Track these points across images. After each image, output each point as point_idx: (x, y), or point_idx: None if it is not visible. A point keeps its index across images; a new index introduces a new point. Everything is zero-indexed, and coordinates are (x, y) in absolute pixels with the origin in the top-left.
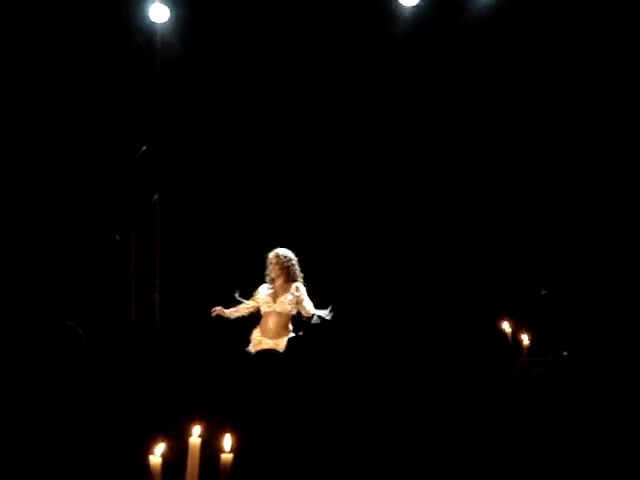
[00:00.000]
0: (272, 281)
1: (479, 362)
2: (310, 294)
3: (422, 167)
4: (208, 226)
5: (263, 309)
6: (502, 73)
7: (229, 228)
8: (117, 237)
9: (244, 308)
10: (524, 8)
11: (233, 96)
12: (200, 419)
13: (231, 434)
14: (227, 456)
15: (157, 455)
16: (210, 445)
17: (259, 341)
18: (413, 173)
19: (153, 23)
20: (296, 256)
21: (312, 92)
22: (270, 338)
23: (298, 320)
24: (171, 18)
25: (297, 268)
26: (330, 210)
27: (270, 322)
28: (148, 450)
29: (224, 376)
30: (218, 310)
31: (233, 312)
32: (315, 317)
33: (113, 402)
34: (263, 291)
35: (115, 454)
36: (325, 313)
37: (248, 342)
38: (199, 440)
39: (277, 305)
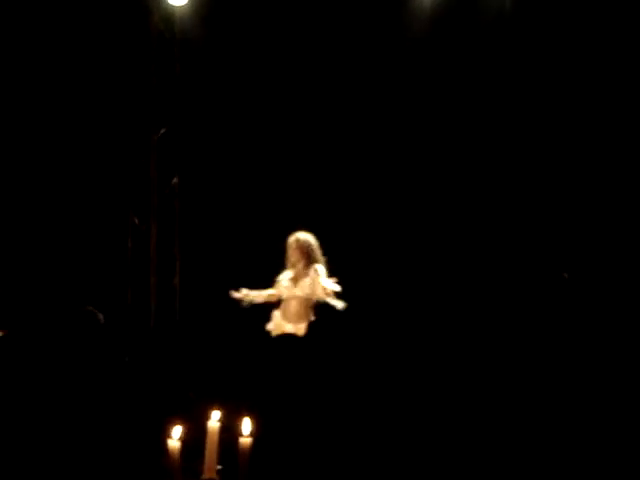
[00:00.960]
0: (293, 266)
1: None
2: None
3: (439, 161)
4: (228, 209)
5: (284, 294)
6: (516, 73)
7: (249, 211)
8: (136, 221)
9: (267, 295)
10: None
11: (252, 78)
12: (219, 403)
13: (250, 418)
14: (246, 440)
15: (175, 439)
16: (229, 429)
17: (279, 324)
18: (431, 167)
19: (172, 5)
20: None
21: (332, 76)
22: (291, 322)
23: (322, 306)
24: (190, 0)
25: (318, 252)
26: (352, 197)
27: (292, 307)
28: (166, 434)
29: (244, 359)
30: (243, 294)
31: (256, 296)
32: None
33: (132, 386)
34: (284, 277)
35: (134, 437)
36: (337, 302)
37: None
38: (218, 424)
39: (298, 289)
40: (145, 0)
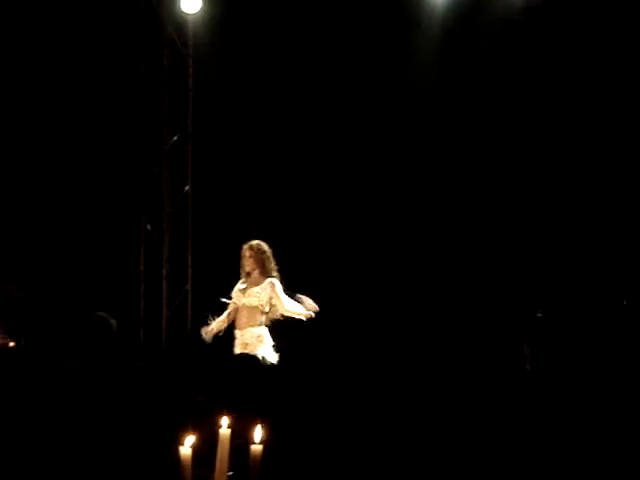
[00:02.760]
0: (247, 275)
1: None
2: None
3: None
4: (239, 216)
5: (237, 304)
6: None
7: (260, 218)
8: (148, 228)
9: (226, 316)
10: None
11: (264, 87)
12: (230, 410)
13: (261, 425)
14: (257, 447)
15: (187, 446)
16: (240, 436)
17: (235, 334)
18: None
19: (184, 14)
20: (319, 245)
21: (344, 84)
22: (239, 329)
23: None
24: (202, 9)
25: (271, 261)
26: (366, 205)
27: (242, 316)
28: (178, 441)
29: (256, 368)
30: (209, 331)
31: (220, 324)
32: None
33: (144, 392)
34: (237, 287)
35: (145, 444)
36: (302, 310)
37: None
38: (229, 431)
39: (246, 299)
40: (158, 9)
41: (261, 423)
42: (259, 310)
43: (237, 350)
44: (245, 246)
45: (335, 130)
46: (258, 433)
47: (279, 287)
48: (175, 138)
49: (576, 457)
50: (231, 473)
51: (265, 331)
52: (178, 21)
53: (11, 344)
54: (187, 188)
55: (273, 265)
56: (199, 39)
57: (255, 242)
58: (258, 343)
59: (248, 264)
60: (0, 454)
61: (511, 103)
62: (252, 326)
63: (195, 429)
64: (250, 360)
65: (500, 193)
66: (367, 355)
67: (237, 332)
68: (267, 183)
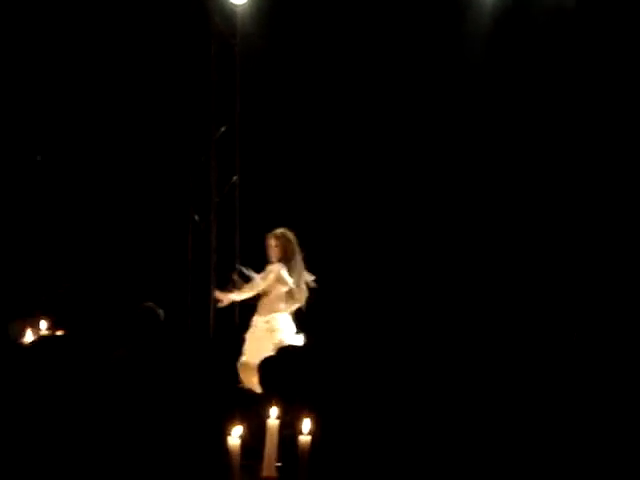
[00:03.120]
0: (271, 263)
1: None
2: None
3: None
4: (287, 206)
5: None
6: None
7: (309, 208)
8: (196, 218)
9: (245, 294)
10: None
11: (312, 78)
12: (278, 401)
13: (310, 417)
14: (305, 438)
15: (235, 437)
16: (288, 427)
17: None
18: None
19: (232, 4)
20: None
21: (392, 76)
22: (260, 315)
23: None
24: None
25: (293, 249)
26: (418, 201)
27: (261, 300)
28: (226, 432)
29: (304, 357)
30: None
31: (238, 298)
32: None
33: (192, 382)
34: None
35: (193, 434)
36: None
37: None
38: (277, 422)
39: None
40: (205, 0)
41: (309, 414)
42: (271, 294)
43: (259, 335)
44: (270, 235)
45: (381, 121)
46: (306, 424)
47: (284, 274)
48: (223, 129)
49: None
50: (279, 464)
51: (287, 317)
52: (226, 12)
53: (59, 332)
54: (235, 178)
55: (295, 254)
56: (246, 30)
57: (279, 231)
58: (280, 329)
59: (274, 253)
60: (47, 441)
61: (564, 97)
62: (275, 312)
63: (243, 420)
64: (297, 351)
65: (543, 191)
66: (406, 346)
67: (259, 318)
68: (314, 173)
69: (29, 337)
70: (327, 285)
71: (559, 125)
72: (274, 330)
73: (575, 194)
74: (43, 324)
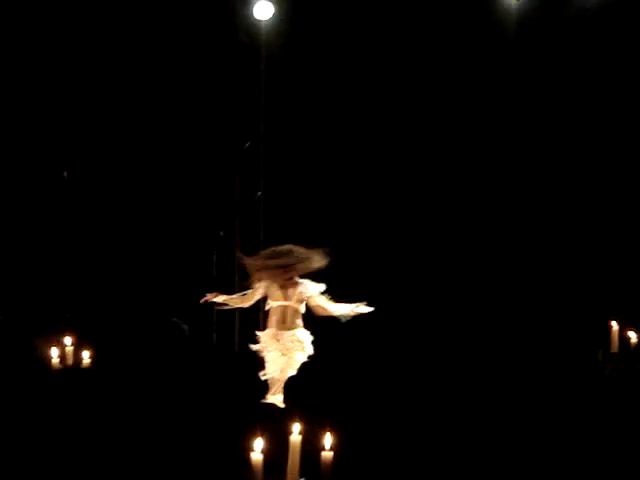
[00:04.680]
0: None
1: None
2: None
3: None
4: (311, 222)
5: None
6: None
7: (333, 224)
8: (221, 234)
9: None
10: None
11: (337, 92)
12: (300, 416)
13: (332, 432)
14: (327, 454)
15: (258, 452)
16: (310, 442)
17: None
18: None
19: (257, 20)
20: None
21: (415, 87)
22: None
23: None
24: (275, 15)
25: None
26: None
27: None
28: (248, 446)
29: (326, 372)
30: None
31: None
32: None
33: (216, 397)
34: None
35: (216, 449)
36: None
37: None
38: (299, 437)
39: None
40: (230, 14)
41: (331, 430)
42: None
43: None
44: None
45: (410, 132)
46: (328, 440)
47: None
48: (247, 144)
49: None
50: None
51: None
52: (250, 26)
53: (84, 350)
54: (259, 194)
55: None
56: (271, 44)
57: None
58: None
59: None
60: (73, 452)
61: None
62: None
63: (266, 435)
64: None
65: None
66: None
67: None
68: (339, 188)
69: (54, 353)
70: (353, 298)
71: (574, 127)
72: (301, 343)
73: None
74: (68, 340)
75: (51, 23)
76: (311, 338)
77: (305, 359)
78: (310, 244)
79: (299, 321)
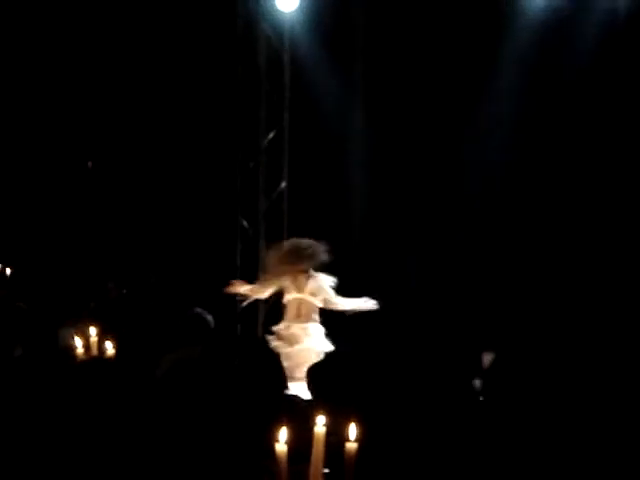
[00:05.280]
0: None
1: None
2: None
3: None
4: (334, 213)
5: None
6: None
7: (357, 214)
8: (245, 224)
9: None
10: None
11: (359, 83)
12: (325, 407)
13: (356, 423)
14: (352, 445)
15: (282, 442)
16: (335, 433)
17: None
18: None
19: (281, 12)
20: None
21: (435, 80)
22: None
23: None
24: (300, 7)
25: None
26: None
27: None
28: (273, 437)
29: (350, 363)
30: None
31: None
32: None
33: (239, 387)
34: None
35: (241, 441)
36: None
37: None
38: (324, 429)
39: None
40: (254, 7)
41: (356, 420)
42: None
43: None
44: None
45: (424, 126)
46: (353, 430)
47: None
48: (271, 135)
49: None
50: (327, 470)
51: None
52: (274, 18)
53: (108, 341)
54: (283, 185)
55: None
56: (295, 36)
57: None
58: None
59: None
60: (95, 454)
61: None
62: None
63: (290, 425)
64: (346, 357)
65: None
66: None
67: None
68: (362, 179)
69: (78, 343)
70: (372, 290)
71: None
72: (309, 336)
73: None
74: (92, 330)
75: (74, 21)
76: (324, 332)
77: (321, 349)
78: (332, 234)
79: (315, 316)
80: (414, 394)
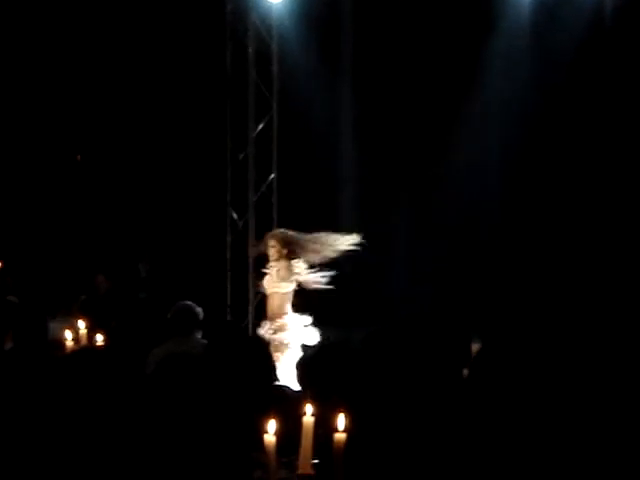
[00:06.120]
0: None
1: None
2: None
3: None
4: (324, 204)
5: None
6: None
7: (345, 206)
8: (234, 216)
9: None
10: None
11: (347, 73)
12: (313, 397)
13: (345, 413)
14: (340, 435)
15: (271, 434)
16: (323, 424)
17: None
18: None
19: (269, 2)
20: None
21: (424, 75)
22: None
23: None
24: None
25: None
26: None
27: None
28: (262, 428)
29: (339, 353)
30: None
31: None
32: None
33: (229, 380)
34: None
35: (230, 432)
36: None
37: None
38: (312, 419)
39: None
40: None
41: (345, 411)
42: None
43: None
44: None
45: (411, 118)
46: (341, 421)
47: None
48: (261, 126)
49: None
50: (316, 461)
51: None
52: (262, 9)
53: (98, 333)
54: (272, 176)
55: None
56: (283, 26)
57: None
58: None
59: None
60: (85, 446)
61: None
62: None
63: (279, 416)
64: (336, 348)
65: None
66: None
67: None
68: (351, 170)
69: (68, 336)
70: (368, 280)
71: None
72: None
73: None
74: (81, 323)
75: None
76: (304, 323)
77: (298, 342)
78: (322, 225)
79: (289, 306)
80: (403, 385)
